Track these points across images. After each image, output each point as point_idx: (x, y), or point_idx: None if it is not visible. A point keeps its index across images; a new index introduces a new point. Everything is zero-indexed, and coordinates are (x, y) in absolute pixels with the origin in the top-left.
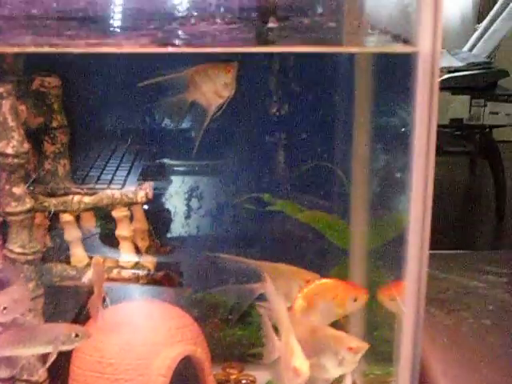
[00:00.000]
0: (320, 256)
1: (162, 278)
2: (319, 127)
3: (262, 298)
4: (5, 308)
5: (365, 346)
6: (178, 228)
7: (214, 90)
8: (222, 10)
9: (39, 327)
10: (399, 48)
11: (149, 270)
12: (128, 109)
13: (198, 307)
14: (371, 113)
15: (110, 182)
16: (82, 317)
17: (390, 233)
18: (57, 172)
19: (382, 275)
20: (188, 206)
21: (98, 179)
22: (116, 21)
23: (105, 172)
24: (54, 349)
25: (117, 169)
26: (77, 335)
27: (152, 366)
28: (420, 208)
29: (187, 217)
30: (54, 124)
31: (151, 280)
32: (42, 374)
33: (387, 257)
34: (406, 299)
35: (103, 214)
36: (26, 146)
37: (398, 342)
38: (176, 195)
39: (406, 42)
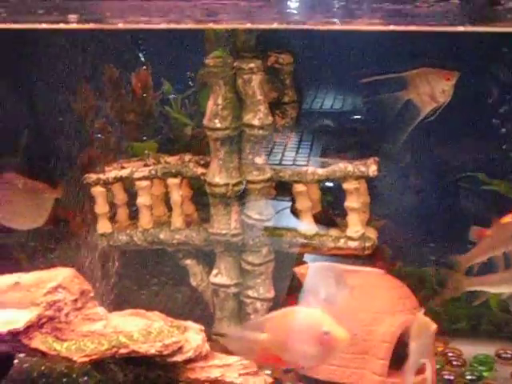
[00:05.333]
0: None
1: (375, 251)
2: None
3: None
4: None
5: None
6: (390, 203)
7: (430, 94)
8: None
9: None
10: None
11: (373, 242)
12: (344, 93)
13: (406, 280)
14: None
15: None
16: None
17: None
18: (285, 144)
19: None
20: (401, 183)
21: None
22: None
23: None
24: None
25: (310, 144)
26: None
27: (376, 332)
28: None
29: (400, 193)
30: (286, 99)
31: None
32: None
33: None
34: None
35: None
36: (271, 118)
37: None
38: (389, 173)
39: None
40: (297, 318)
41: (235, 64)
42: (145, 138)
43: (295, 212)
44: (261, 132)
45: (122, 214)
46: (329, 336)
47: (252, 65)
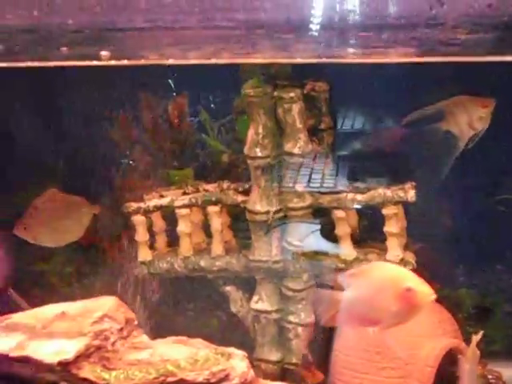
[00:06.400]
0: None
1: None
2: None
3: None
4: None
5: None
6: (426, 227)
7: (468, 122)
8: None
9: None
10: None
11: (413, 266)
12: (379, 123)
13: (443, 303)
14: None
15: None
16: None
17: None
18: (322, 171)
19: None
20: (437, 206)
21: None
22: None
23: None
24: None
25: (347, 170)
26: None
27: (418, 356)
28: None
29: (435, 216)
30: (322, 126)
31: None
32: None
33: None
34: None
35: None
36: (310, 146)
37: None
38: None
39: None
40: (380, 273)
41: (275, 93)
42: (181, 165)
43: (330, 237)
44: (301, 160)
45: (161, 241)
46: (411, 293)
47: (292, 94)
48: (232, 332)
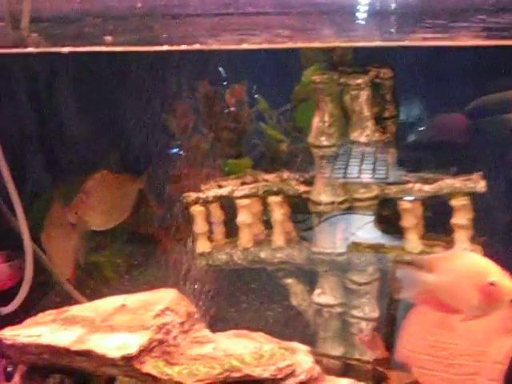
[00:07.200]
0: None
1: None
2: None
3: None
4: None
5: None
6: (489, 219)
7: None
8: None
9: None
10: None
11: None
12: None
13: None
14: None
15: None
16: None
17: None
18: (386, 161)
19: None
20: (501, 198)
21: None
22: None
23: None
24: None
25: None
26: None
27: (488, 353)
28: None
29: (498, 208)
30: (386, 114)
31: None
32: (370, 353)
33: None
34: None
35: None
36: (377, 135)
37: None
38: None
39: None
40: (464, 262)
41: (341, 80)
42: (239, 154)
43: (395, 228)
44: (367, 149)
45: (219, 232)
46: (494, 287)
47: (359, 80)
48: (289, 326)
